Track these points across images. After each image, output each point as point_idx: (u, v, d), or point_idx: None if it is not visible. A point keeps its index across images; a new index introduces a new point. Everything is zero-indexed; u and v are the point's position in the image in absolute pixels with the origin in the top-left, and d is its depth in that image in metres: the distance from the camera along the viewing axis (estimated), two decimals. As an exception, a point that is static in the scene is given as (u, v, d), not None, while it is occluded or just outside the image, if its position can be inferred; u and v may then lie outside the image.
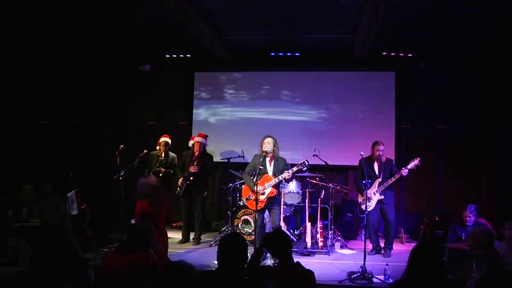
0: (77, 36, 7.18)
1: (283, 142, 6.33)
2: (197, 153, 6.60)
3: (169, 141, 6.87)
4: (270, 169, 5.63)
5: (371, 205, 6.01)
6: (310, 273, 3.05)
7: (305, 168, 5.59)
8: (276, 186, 5.60)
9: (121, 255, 2.99)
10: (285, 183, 6.28)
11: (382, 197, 6.06)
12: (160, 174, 6.64)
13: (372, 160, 6.16)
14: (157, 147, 6.83)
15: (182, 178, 6.57)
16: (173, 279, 2.27)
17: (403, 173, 5.93)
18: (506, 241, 4.77)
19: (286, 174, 5.45)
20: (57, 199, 6.22)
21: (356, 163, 6.15)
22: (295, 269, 3.04)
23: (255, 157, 5.75)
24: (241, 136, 8.07)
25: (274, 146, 5.65)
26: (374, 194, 6.04)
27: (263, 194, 5.50)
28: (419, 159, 5.92)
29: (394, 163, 6.46)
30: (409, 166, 5.92)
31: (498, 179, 7.30)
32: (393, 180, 6.03)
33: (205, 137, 6.76)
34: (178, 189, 6.61)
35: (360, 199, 6.17)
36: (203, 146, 6.67)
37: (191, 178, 6.50)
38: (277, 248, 3.11)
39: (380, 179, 6.08)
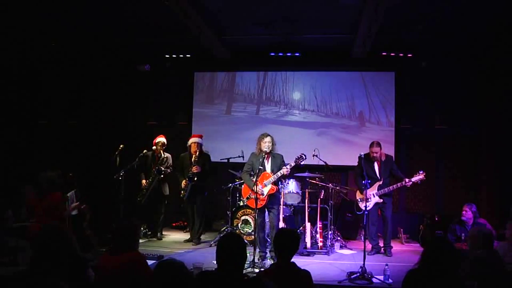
0: (77, 36, 7.18)
1: (282, 142, 6.33)
2: (196, 153, 6.62)
3: (165, 141, 6.91)
4: (268, 166, 5.62)
5: (369, 205, 6.00)
6: (305, 273, 3.03)
7: (302, 161, 5.56)
8: (276, 183, 5.59)
9: (112, 256, 2.98)
10: (284, 183, 6.29)
11: (381, 200, 6.05)
12: (163, 172, 6.68)
13: (371, 160, 6.15)
14: (153, 147, 6.85)
15: (186, 179, 6.57)
16: (166, 277, 2.28)
17: (406, 184, 5.90)
18: (507, 240, 4.78)
19: (285, 170, 5.43)
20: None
21: (356, 164, 6.14)
22: (289, 269, 3.03)
23: (253, 156, 5.73)
24: (241, 136, 8.08)
25: (273, 144, 5.64)
26: (374, 196, 6.03)
27: (262, 193, 5.49)
28: (424, 173, 5.84)
29: (394, 160, 6.43)
30: (413, 179, 5.86)
31: (498, 179, 7.29)
32: (395, 187, 6.01)
33: (201, 137, 6.80)
34: (183, 191, 6.62)
35: (358, 197, 6.18)
36: (200, 146, 6.70)
37: (195, 178, 6.53)
38: (283, 247, 3.09)
39: (380, 182, 6.05)
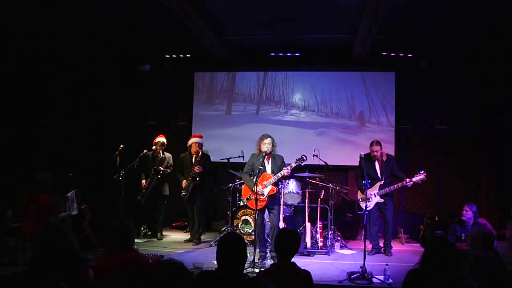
0: (77, 36, 7.18)
1: (282, 142, 6.33)
2: (199, 153, 6.62)
3: (165, 141, 6.90)
4: (268, 167, 5.62)
5: (370, 205, 6.02)
6: (305, 273, 3.04)
7: (303, 163, 5.56)
8: (276, 184, 5.59)
9: (110, 257, 2.96)
10: (284, 183, 6.28)
11: (382, 200, 6.06)
12: (161, 173, 6.68)
13: (372, 160, 6.15)
14: (153, 147, 6.86)
15: (190, 179, 6.55)
16: (166, 277, 2.29)
17: (407, 184, 5.89)
18: (507, 240, 4.77)
19: (285, 171, 5.43)
20: (56, 199, 6.21)
21: (356, 163, 6.14)
22: (290, 269, 3.03)
23: (253, 157, 5.73)
24: (241, 136, 8.07)
25: (273, 145, 5.65)
26: (375, 195, 6.04)
27: (263, 193, 5.49)
28: (425, 173, 5.83)
29: (395, 160, 6.41)
30: (414, 179, 5.86)
31: (498, 179, 7.30)
32: (395, 188, 6.01)
33: (201, 137, 6.81)
34: (184, 192, 6.61)
35: (359, 197, 6.18)
36: (201, 146, 6.71)
37: (197, 178, 6.53)
38: (284, 247, 3.09)
39: (381, 182, 6.05)
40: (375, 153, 6.09)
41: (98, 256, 3.13)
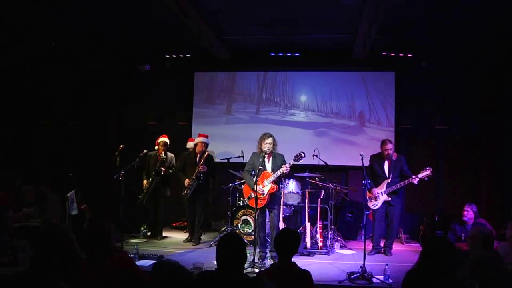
0: (77, 36, 7.18)
1: (283, 142, 6.33)
2: (206, 154, 6.62)
3: (168, 141, 6.91)
4: (268, 166, 5.62)
5: (377, 204, 6.02)
6: (305, 273, 3.04)
7: (301, 159, 5.55)
8: (276, 182, 5.59)
9: (96, 268, 2.86)
10: (284, 183, 6.28)
11: (389, 198, 6.05)
12: (162, 173, 6.67)
13: (382, 159, 6.15)
14: (156, 147, 6.86)
15: (194, 178, 6.54)
16: (166, 277, 2.28)
17: (413, 181, 5.87)
18: (507, 241, 4.77)
19: (284, 168, 5.43)
20: (55, 199, 6.23)
21: (356, 164, 6.11)
22: (289, 269, 3.04)
23: (254, 156, 5.73)
24: (241, 136, 8.07)
25: (274, 144, 5.65)
26: (382, 194, 6.04)
27: (263, 192, 5.49)
28: (431, 169, 5.81)
29: (405, 160, 6.34)
30: (420, 176, 5.84)
31: (498, 179, 7.29)
32: (402, 185, 5.99)
33: (207, 137, 6.80)
34: (186, 190, 6.60)
35: (367, 196, 6.18)
36: (206, 146, 6.70)
37: (201, 177, 6.53)
38: (284, 246, 3.09)
39: (389, 180, 6.05)
40: (389, 152, 6.09)
41: (83, 269, 3.00)
